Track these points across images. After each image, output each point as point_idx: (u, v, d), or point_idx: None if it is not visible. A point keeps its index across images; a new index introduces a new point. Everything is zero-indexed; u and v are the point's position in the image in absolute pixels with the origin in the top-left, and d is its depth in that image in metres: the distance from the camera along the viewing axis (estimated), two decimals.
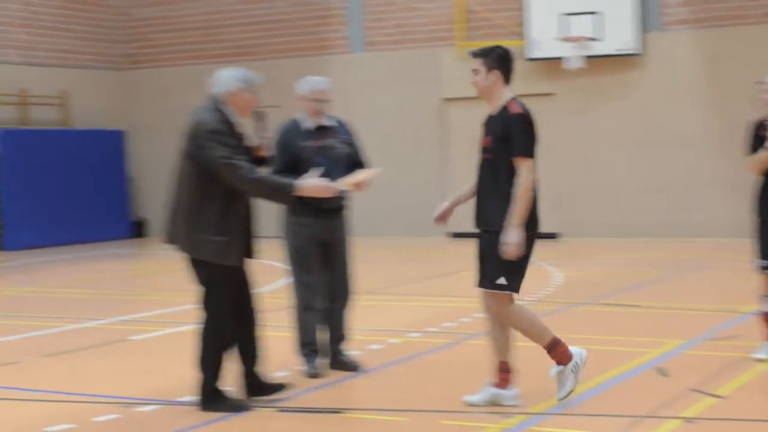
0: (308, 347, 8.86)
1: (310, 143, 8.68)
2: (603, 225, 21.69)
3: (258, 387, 8.03)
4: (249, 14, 24.82)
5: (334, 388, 8.52)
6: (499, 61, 7.69)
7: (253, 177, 7.52)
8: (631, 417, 7.29)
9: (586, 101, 21.77)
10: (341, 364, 8.97)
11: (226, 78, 7.73)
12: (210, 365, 7.75)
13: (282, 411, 7.77)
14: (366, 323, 9.09)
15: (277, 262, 15.12)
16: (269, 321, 11.92)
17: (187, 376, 8.44)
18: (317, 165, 8.40)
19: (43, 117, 24.23)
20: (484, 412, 7.53)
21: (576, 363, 7.61)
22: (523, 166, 7.40)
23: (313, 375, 8.73)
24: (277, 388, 8.11)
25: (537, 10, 21.55)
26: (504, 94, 7.68)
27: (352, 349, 9.23)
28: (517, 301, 7.65)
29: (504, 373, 7.68)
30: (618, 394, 8.09)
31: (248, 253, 7.91)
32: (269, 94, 24.26)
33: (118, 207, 25.10)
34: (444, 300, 13.65)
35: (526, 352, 9.89)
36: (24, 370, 9.71)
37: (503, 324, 7.67)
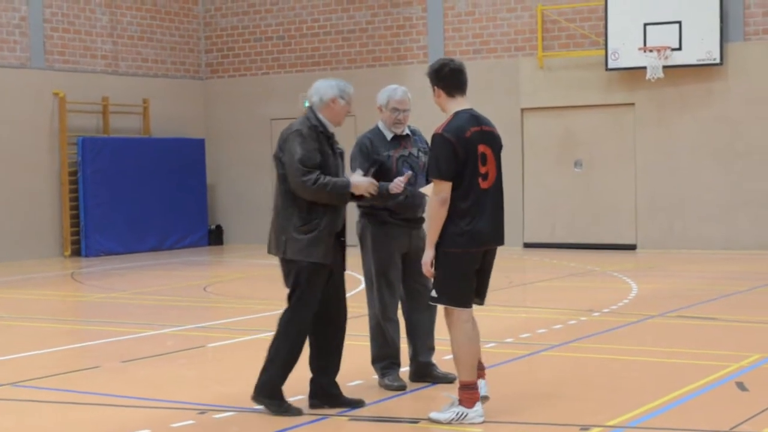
0: (389, 360, 8.78)
1: (392, 152, 8.70)
2: (682, 237, 21.45)
3: (336, 399, 8.03)
4: (327, 24, 24.92)
5: (412, 397, 8.49)
6: (434, 77, 7.67)
7: (314, 185, 7.67)
8: None
9: (665, 112, 21.55)
10: (435, 377, 8.86)
11: (320, 88, 7.97)
12: (278, 356, 7.85)
13: (356, 420, 7.77)
14: (442, 333, 9.06)
15: (349, 271, 15.01)
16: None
17: None
18: (402, 174, 8.53)
19: (124, 125, 24.50)
20: (561, 424, 7.46)
21: (465, 414, 7.47)
22: (433, 186, 7.50)
23: (399, 388, 8.62)
24: (356, 403, 8.10)
25: (617, 20, 21.39)
26: (451, 109, 7.64)
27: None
28: (466, 324, 7.54)
29: (469, 391, 7.55)
30: (698, 409, 7.97)
31: (340, 261, 8.02)
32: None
33: (197, 215, 25.29)
34: (519, 311, 13.58)
35: (599, 364, 9.81)
36: (103, 375, 9.81)
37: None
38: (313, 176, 7.68)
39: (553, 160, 22.56)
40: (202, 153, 25.49)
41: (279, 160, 7.90)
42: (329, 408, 7.97)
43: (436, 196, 7.43)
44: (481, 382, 7.76)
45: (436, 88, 7.67)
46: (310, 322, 7.91)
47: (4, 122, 22.09)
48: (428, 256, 7.52)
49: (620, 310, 13.11)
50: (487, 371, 7.92)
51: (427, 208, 7.89)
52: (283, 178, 7.87)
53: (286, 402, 7.90)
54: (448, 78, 7.64)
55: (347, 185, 7.81)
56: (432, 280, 7.66)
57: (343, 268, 8.11)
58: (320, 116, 7.93)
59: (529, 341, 10.90)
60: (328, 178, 7.73)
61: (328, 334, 8.02)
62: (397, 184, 8.33)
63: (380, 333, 8.75)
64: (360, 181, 7.89)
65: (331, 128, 7.97)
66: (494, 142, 7.64)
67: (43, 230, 22.79)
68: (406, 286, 8.80)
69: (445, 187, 7.39)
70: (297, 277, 7.83)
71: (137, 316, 13.91)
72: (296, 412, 7.85)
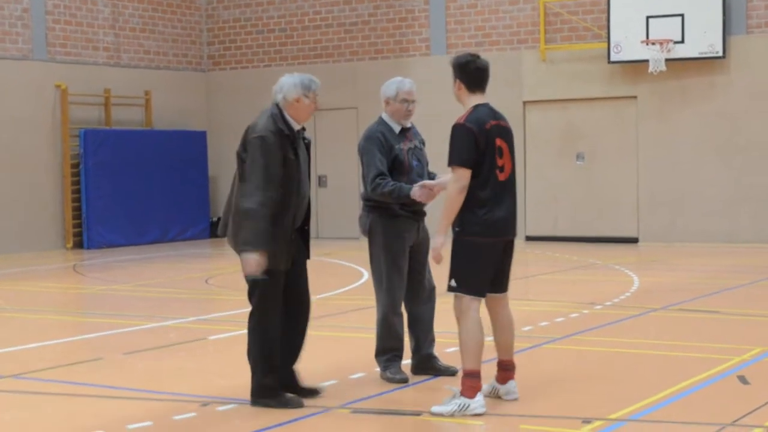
0: (393, 352, 8.73)
1: (402, 145, 8.70)
2: (684, 231, 21.45)
3: (292, 388, 8.09)
4: (329, 16, 24.90)
5: (415, 389, 8.49)
6: (458, 70, 7.85)
7: (255, 210, 7.60)
8: (713, 425, 7.18)
9: (668, 105, 21.54)
10: (437, 369, 8.85)
11: (284, 86, 7.92)
12: (257, 360, 7.89)
13: (358, 412, 7.77)
14: (442, 326, 9.08)
15: (352, 264, 15.10)
16: (343, 322, 11.96)
17: None
18: (412, 167, 8.65)
19: (126, 117, 24.51)
20: (563, 417, 7.47)
21: (467, 405, 7.54)
22: (453, 174, 7.63)
23: (401, 380, 8.59)
24: (312, 392, 8.16)
25: (620, 12, 21.37)
26: (469, 102, 7.80)
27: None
28: (476, 312, 7.64)
29: (472, 380, 7.61)
30: (700, 402, 7.98)
31: (303, 255, 8.07)
32: (349, 96, 24.52)
33: (198, 207, 25.29)
34: (522, 304, 13.57)
35: (601, 357, 9.83)
36: (105, 368, 9.82)
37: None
38: (265, 197, 7.58)
39: (555, 153, 22.55)
40: (204, 145, 25.48)
41: (241, 159, 7.82)
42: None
43: (455, 183, 7.56)
44: (511, 383, 7.87)
45: (457, 80, 7.82)
46: (277, 319, 7.91)
47: (6, 114, 22.09)
48: (439, 241, 7.64)
49: (622, 303, 13.11)
50: (488, 364, 7.93)
51: (444, 195, 7.89)
52: (242, 178, 7.81)
53: (284, 396, 7.91)
54: (473, 74, 7.80)
55: (261, 246, 7.60)
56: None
57: (305, 258, 8.13)
58: (286, 115, 7.88)
59: (532, 334, 10.90)
60: (268, 220, 7.61)
61: (293, 325, 8.07)
62: (423, 194, 8.38)
63: (387, 326, 8.70)
64: (261, 260, 7.64)
65: (297, 126, 7.93)
66: (509, 137, 7.82)
67: (45, 222, 22.80)
68: (409, 278, 8.78)
69: (465, 175, 7.54)
70: (254, 280, 7.85)
71: (139, 308, 13.91)
72: (297, 403, 7.86)
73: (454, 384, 7.76)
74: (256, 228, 7.62)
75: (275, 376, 7.93)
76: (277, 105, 7.92)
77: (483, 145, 7.57)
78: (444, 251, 7.68)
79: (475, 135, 7.55)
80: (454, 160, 7.58)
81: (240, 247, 7.71)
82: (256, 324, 7.90)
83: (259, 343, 7.89)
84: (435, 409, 7.62)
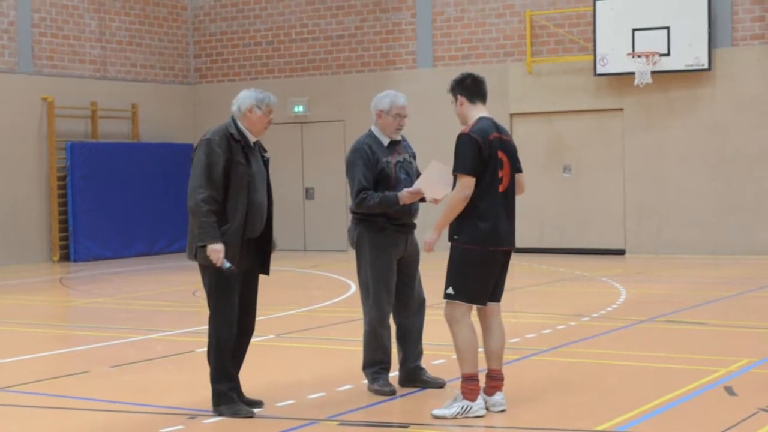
0: (380, 365, 8.73)
1: (390, 158, 8.70)
2: (670, 242, 21.50)
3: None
4: (316, 29, 24.92)
5: (402, 402, 8.48)
6: (458, 87, 8.05)
7: (198, 205, 7.81)
8: None
9: (654, 117, 21.61)
10: (424, 382, 8.83)
11: (241, 97, 8.15)
12: (212, 366, 7.97)
13: (345, 425, 7.76)
14: (430, 338, 9.08)
15: (339, 276, 15.13)
16: (331, 335, 11.96)
17: (253, 387, 8.49)
18: (400, 180, 8.65)
19: (113, 130, 24.48)
20: (550, 429, 7.47)
21: (470, 408, 7.74)
22: (458, 182, 7.79)
23: (389, 393, 8.58)
24: (255, 404, 8.18)
25: (606, 25, 21.44)
26: (472, 116, 7.99)
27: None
28: (469, 318, 7.89)
29: (471, 383, 7.78)
30: (687, 413, 7.99)
31: (257, 269, 8.15)
32: (336, 109, 24.51)
33: (185, 220, 25.11)
34: (508, 315, 13.59)
35: (588, 369, 9.84)
36: (92, 380, 9.79)
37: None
38: (205, 195, 7.80)
39: (542, 165, 22.58)
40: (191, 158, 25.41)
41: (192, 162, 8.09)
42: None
43: (460, 192, 7.71)
44: (498, 395, 7.93)
45: (458, 96, 8.00)
46: (231, 326, 7.96)
47: None
48: (432, 236, 7.82)
49: (609, 315, 13.12)
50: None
51: (448, 200, 7.96)
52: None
53: (237, 405, 7.96)
54: (471, 86, 8.00)
55: (210, 239, 7.76)
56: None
57: (257, 273, 8.19)
58: (240, 125, 8.08)
59: (519, 346, 10.90)
60: (212, 216, 7.79)
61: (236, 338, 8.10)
62: (409, 196, 8.43)
63: (374, 339, 8.69)
64: (215, 248, 7.79)
65: (252, 138, 8.10)
66: (510, 150, 7.97)
67: (32, 235, 22.75)
68: (398, 291, 8.77)
69: (470, 183, 7.71)
70: (209, 282, 7.95)
71: (126, 321, 13.89)
72: (247, 413, 7.91)
73: (441, 397, 7.77)
74: (200, 223, 7.81)
75: (229, 384, 7.98)
76: (232, 117, 8.13)
77: (486, 155, 7.73)
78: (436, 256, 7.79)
79: (479, 145, 7.72)
80: (459, 168, 7.74)
81: (197, 245, 7.85)
82: (212, 331, 7.97)
83: (213, 349, 7.97)
84: (437, 412, 7.75)
